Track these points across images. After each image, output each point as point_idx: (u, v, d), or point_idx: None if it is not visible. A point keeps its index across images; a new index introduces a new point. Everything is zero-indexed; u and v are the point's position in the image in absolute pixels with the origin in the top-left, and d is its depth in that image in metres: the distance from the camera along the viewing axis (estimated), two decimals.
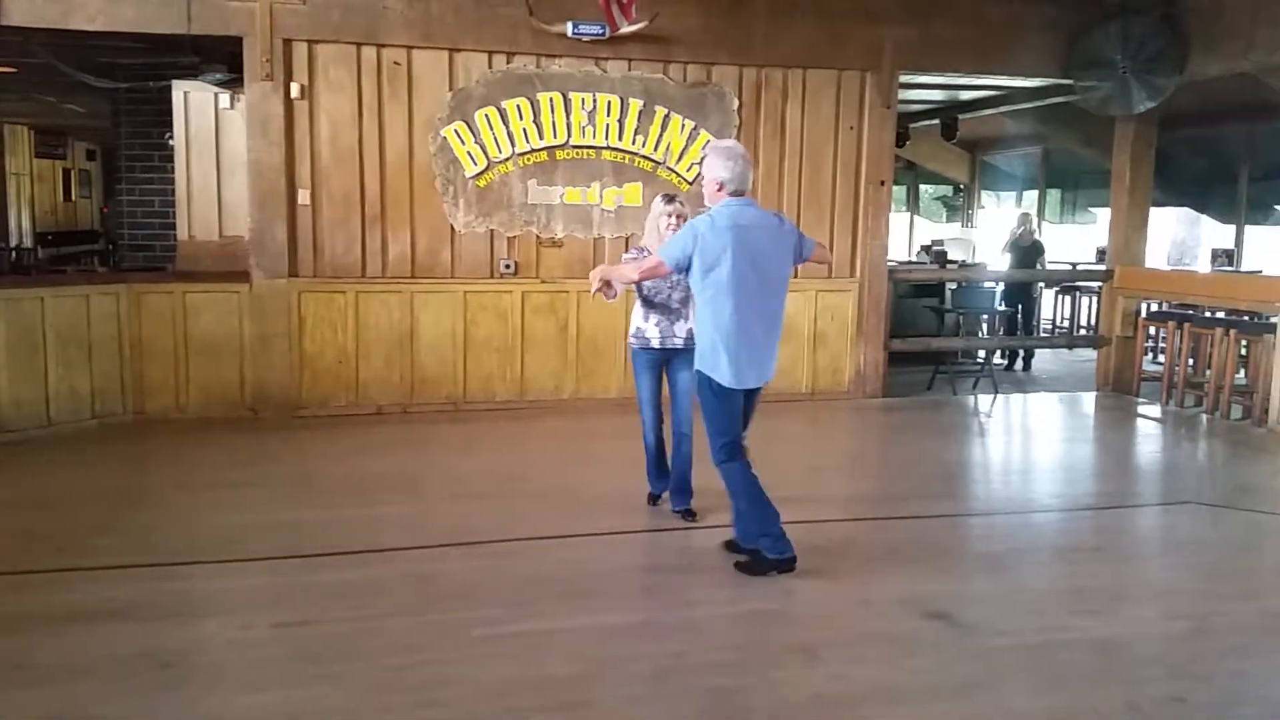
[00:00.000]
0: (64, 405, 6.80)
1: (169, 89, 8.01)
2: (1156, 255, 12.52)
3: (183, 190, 8.08)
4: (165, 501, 5.55)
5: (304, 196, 7.33)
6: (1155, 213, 9.84)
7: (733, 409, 4.34)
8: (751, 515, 4.38)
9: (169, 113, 8.08)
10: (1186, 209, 13.89)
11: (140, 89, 8.55)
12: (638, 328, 5.10)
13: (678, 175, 7.87)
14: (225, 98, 7.89)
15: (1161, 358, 9.54)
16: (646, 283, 4.86)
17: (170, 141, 8.24)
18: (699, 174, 7.78)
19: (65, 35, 7.01)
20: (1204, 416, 8.06)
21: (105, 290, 7.07)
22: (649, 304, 5.04)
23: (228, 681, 3.49)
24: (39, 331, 6.65)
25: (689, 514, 5.15)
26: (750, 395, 4.46)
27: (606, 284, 4.46)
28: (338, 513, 5.28)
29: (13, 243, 15.03)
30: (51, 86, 10.59)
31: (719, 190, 4.24)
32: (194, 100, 7.97)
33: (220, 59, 7.53)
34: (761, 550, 4.38)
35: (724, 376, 4.25)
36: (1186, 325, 8.37)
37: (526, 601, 4.15)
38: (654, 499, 5.35)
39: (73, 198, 17.82)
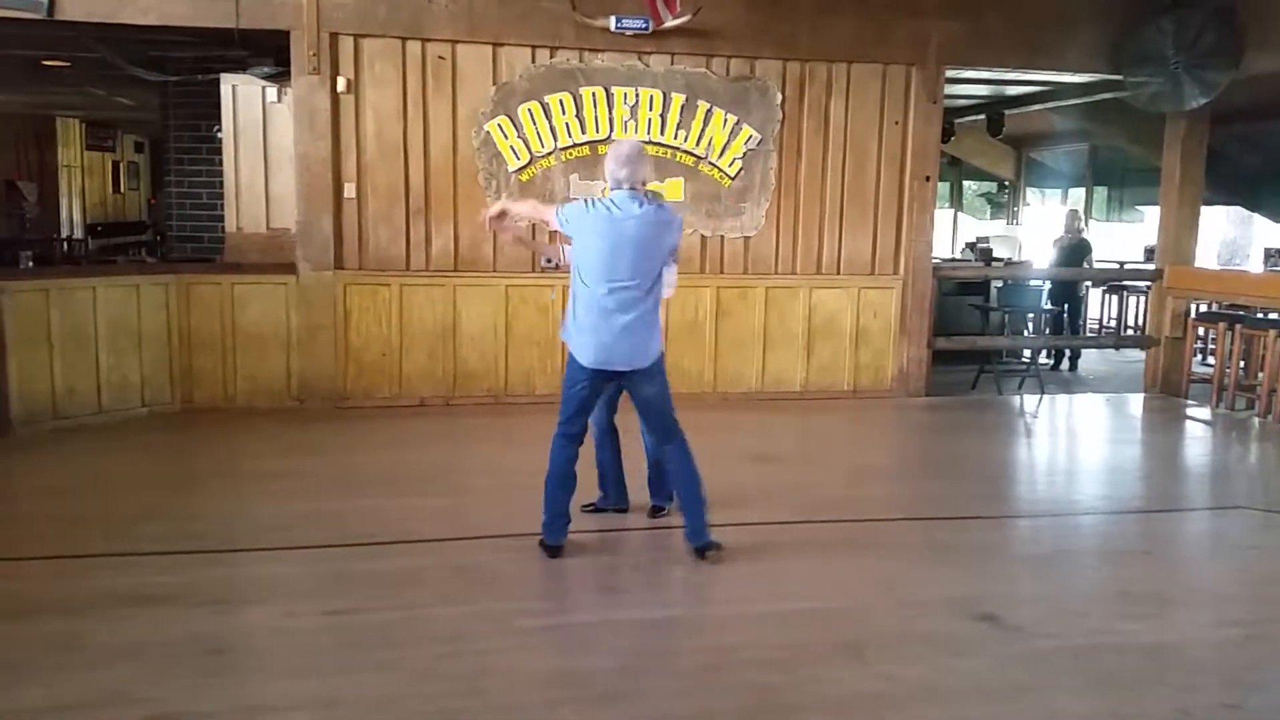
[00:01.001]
0: (115, 393, 6.91)
1: (217, 82, 8.10)
2: (1206, 255, 12.30)
3: (231, 183, 8.18)
4: (212, 489, 5.62)
5: (349, 190, 7.40)
6: (1205, 211, 9.66)
7: (582, 386, 4.40)
8: (547, 493, 4.48)
9: (217, 106, 8.18)
10: (1238, 208, 13.62)
11: (189, 82, 8.66)
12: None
13: (719, 170, 7.85)
14: (272, 91, 7.98)
15: (1211, 359, 9.38)
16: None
17: (218, 134, 8.34)
18: (740, 168, 7.85)
19: (117, 29, 7.11)
20: (1255, 420, 7.90)
21: (155, 281, 7.18)
22: None
23: (274, 667, 3.54)
24: (91, 321, 6.76)
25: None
26: (618, 384, 4.54)
27: (501, 216, 4.72)
28: (381, 502, 5.32)
29: (64, 234, 15.32)
30: (102, 80, 10.76)
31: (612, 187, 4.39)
32: (242, 94, 8.06)
33: (268, 53, 7.61)
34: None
35: (578, 352, 4.36)
36: (1238, 326, 8.21)
37: (567, 594, 4.16)
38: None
39: (121, 190, 18.12)
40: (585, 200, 4.44)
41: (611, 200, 4.35)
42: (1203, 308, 9.61)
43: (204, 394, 7.31)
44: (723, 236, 7.97)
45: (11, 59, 9.42)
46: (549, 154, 7.62)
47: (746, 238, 8.02)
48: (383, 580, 4.24)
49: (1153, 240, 10.14)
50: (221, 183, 8.44)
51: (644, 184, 4.45)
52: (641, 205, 4.34)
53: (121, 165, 18.12)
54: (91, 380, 6.79)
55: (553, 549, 4.48)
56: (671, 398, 4.53)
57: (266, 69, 7.71)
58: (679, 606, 4.13)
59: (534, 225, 7.26)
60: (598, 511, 5.08)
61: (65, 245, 14.52)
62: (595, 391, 4.48)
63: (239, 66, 7.80)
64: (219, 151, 8.43)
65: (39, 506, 5.35)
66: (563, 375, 4.57)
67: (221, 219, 8.68)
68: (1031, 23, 8.22)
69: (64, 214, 16.08)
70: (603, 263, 4.30)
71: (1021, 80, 10.04)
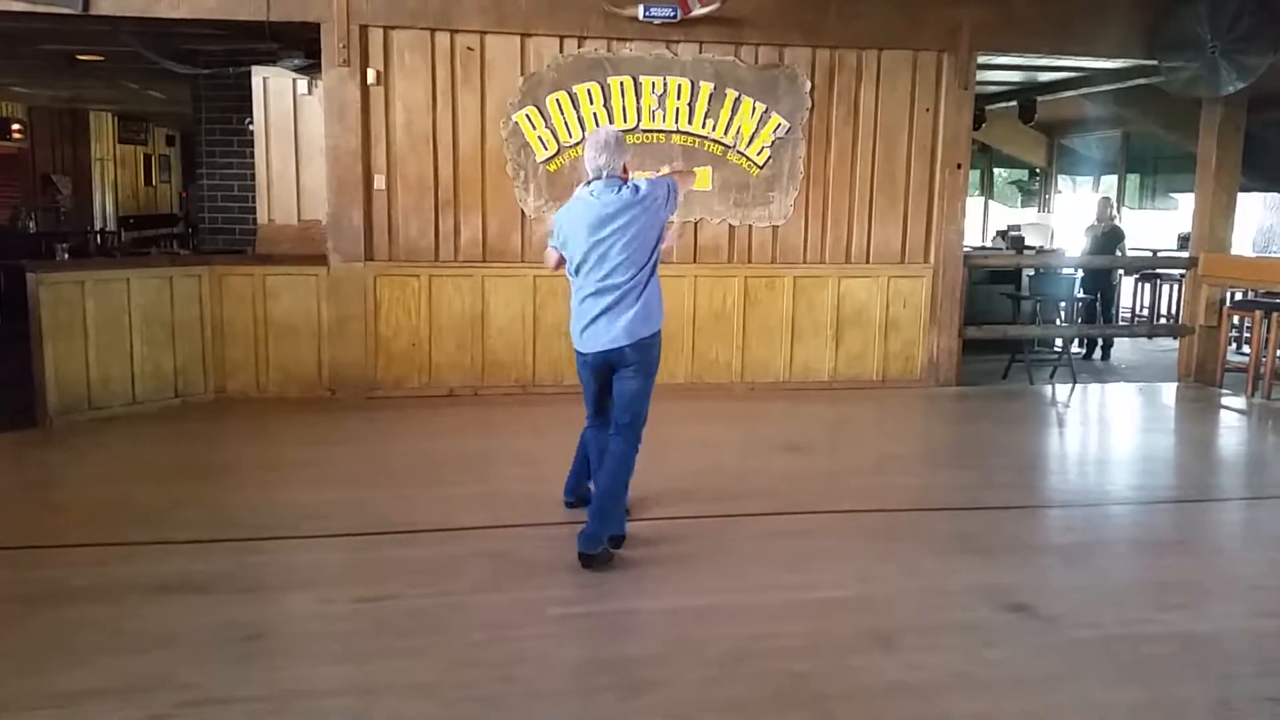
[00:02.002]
0: (149, 383, 7.00)
1: (248, 75, 8.17)
2: (1242, 242, 12.12)
3: (262, 175, 8.24)
4: (246, 478, 5.68)
5: (379, 181, 7.43)
6: (1242, 198, 9.51)
7: (585, 378, 4.50)
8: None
9: (248, 98, 8.24)
10: (1275, 194, 13.41)
11: (220, 75, 8.74)
12: None
13: (748, 159, 7.82)
14: (303, 84, 8.02)
15: (1247, 348, 9.24)
16: None
17: (250, 127, 8.41)
18: (769, 157, 7.82)
19: (150, 23, 7.19)
20: None
21: (188, 272, 7.25)
22: None
23: (311, 654, 3.58)
24: (125, 312, 6.84)
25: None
26: (610, 373, 4.43)
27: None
28: (413, 491, 5.36)
29: (97, 226, 15.52)
30: (135, 74, 10.89)
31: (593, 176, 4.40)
32: (273, 86, 8.12)
33: (298, 45, 7.67)
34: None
35: (578, 342, 4.44)
36: (1274, 314, 8.09)
37: (599, 582, 4.17)
38: None
39: (153, 182, 18.35)
40: (557, 216, 4.49)
41: (591, 190, 4.36)
42: (1238, 295, 9.47)
43: (237, 384, 7.38)
44: (751, 226, 7.95)
45: (46, 54, 9.55)
46: (577, 144, 7.61)
47: (775, 227, 7.99)
48: (417, 567, 4.27)
49: (1187, 227, 10.00)
50: (253, 175, 8.51)
51: (625, 170, 4.43)
52: (619, 190, 4.33)
53: (153, 158, 18.34)
54: (126, 371, 6.88)
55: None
56: (649, 403, 4.48)
57: (297, 61, 7.77)
58: (709, 595, 4.13)
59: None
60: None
61: (99, 238, 14.70)
62: (599, 382, 4.48)
63: (270, 59, 7.87)
64: (250, 144, 8.51)
65: (76, 495, 5.43)
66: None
67: (253, 211, 8.76)
68: (1064, 7, 8.11)
69: (97, 207, 16.31)
70: (595, 253, 4.30)
71: (1054, 66, 9.94)
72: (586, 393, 4.56)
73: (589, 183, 4.39)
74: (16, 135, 15.07)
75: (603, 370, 4.44)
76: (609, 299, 4.31)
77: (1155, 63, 8.39)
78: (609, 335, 4.32)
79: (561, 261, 4.53)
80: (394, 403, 7.41)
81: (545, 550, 4.51)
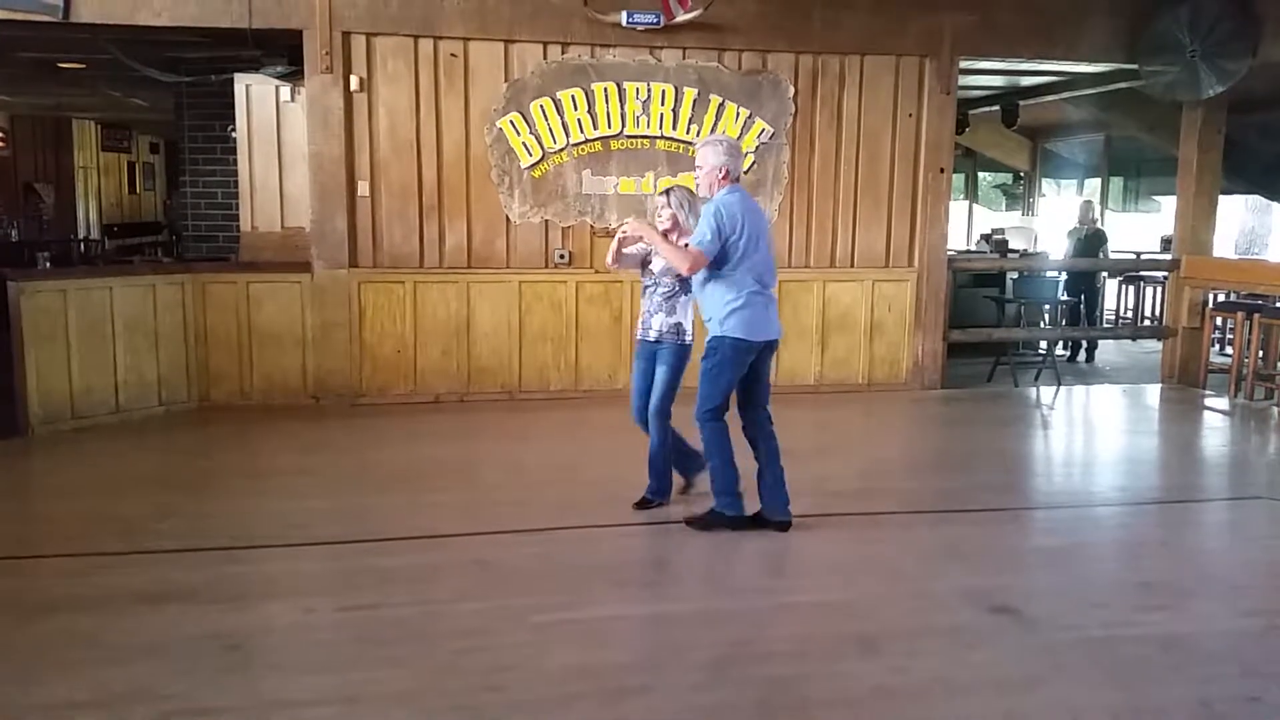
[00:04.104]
0: (132, 392, 6.96)
1: (231, 82, 8.13)
2: (1224, 244, 12.21)
3: (245, 182, 8.21)
4: (230, 487, 5.66)
5: (363, 188, 7.42)
6: (1223, 200, 9.58)
7: (742, 369, 4.69)
8: (721, 472, 4.73)
9: (231, 106, 8.21)
10: (1256, 196, 13.50)
11: (203, 83, 8.70)
12: (686, 324, 4.97)
13: None
14: (286, 91, 7.99)
15: (1229, 349, 9.30)
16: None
17: (233, 134, 8.38)
18: (753, 163, 7.83)
19: (131, 31, 7.16)
20: (1275, 409, 7.84)
21: (171, 280, 7.22)
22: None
23: (293, 663, 3.56)
24: (108, 320, 6.81)
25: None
26: (765, 354, 4.77)
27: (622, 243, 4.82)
28: (397, 499, 5.35)
29: (80, 234, 15.42)
30: (117, 81, 10.82)
31: (724, 178, 4.66)
32: (255, 93, 8.08)
33: (281, 52, 7.63)
34: (720, 509, 4.74)
35: (755, 331, 4.63)
36: (1256, 316, 8.14)
37: (583, 589, 4.17)
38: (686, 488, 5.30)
39: (137, 190, 18.23)
40: (721, 209, 4.56)
41: (743, 193, 4.71)
42: (1220, 297, 9.53)
43: (221, 392, 7.35)
44: None
45: (28, 61, 9.49)
46: (561, 150, 7.62)
47: None
48: (400, 576, 4.26)
49: (1169, 230, 10.06)
50: (236, 182, 8.48)
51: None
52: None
53: (137, 166, 18.22)
54: (109, 379, 6.84)
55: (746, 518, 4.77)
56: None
57: (280, 68, 7.74)
58: (693, 600, 4.13)
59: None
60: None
61: (82, 246, 14.60)
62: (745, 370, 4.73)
63: (253, 66, 7.83)
64: (233, 151, 8.47)
65: (58, 505, 5.40)
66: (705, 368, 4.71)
67: (236, 218, 8.72)
68: (1045, 12, 8.16)
69: (80, 215, 16.19)
70: (768, 250, 4.71)
71: (1036, 71, 10.00)
72: (729, 384, 4.68)
73: (735, 186, 4.68)
74: None
75: (756, 356, 4.70)
76: (770, 292, 4.74)
77: (1136, 67, 8.45)
78: (778, 325, 4.80)
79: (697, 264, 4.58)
80: (379, 410, 7.39)
81: (527, 558, 4.51)
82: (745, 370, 4.70)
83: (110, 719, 3.08)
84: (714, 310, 4.66)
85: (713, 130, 7.71)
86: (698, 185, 4.78)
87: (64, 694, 3.23)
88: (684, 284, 4.86)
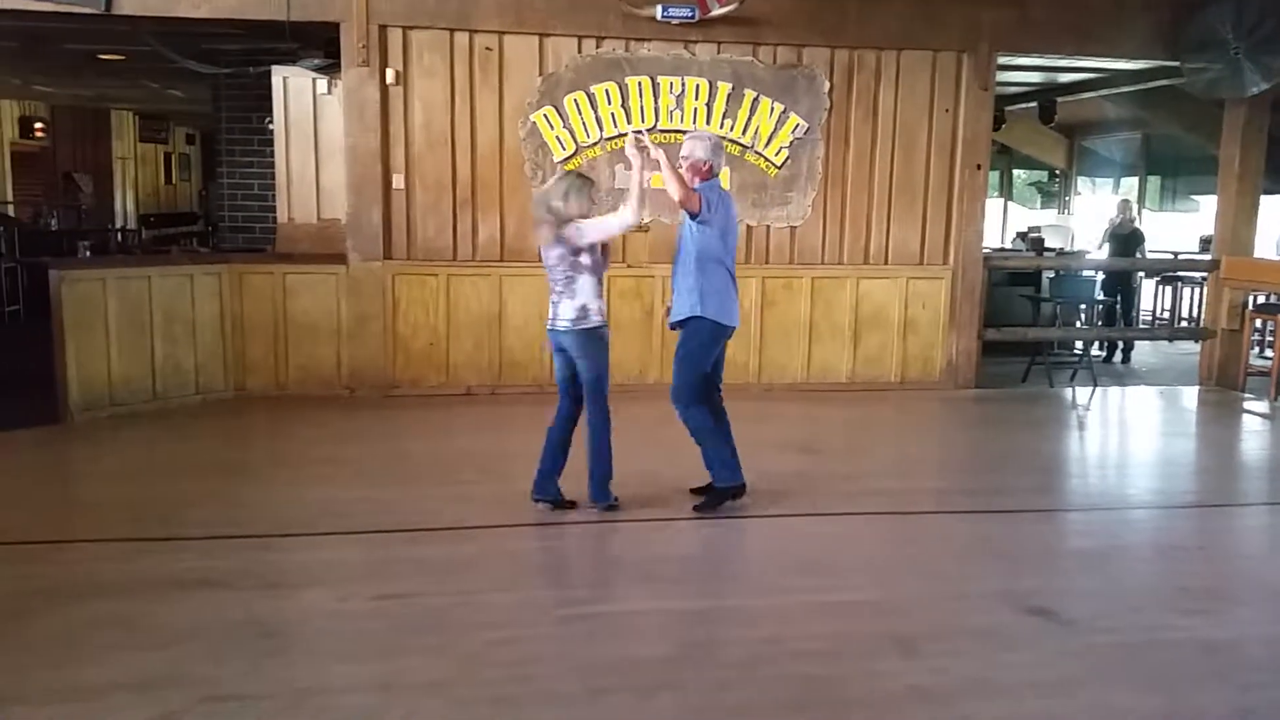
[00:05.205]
0: (169, 381, 7.04)
1: (268, 74, 8.20)
2: (1266, 245, 11.99)
3: (282, 174, 8.28)
4: (266, 475, 5.72)
5: (398, 181, 7.46)
6: (1265, 200, 9.41)
7: (716, 352, 5.01)
8: (713, 450, 4.94)
9: (268, 98, 8.28)
10: None
11: (240, 74, 8.78)
12: (601, 306, 4.89)
13: (765, 159, 7.80)
14: (323, 83, 8.05)
15: (1270, 351, 9.16)
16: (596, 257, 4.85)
17: (270, 126, 8.45)
18: (787, 159, 7.80)
19: (171, 22, 7.24)
20: None
21: (208, 270, 7.29)
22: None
23: (326, 651, 3.59)
24: (146, 310, 6.88)
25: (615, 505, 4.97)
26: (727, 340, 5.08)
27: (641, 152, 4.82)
28: (430, 490, 5.37)
29: (118, 224, 15.62)
30: (156, 73, 10.96)
31: (706, 172, 4.91)
32: (293, 86, 8.14)
33: (318, 45, 7.70)
34: (722, 485, 4.96)
35: (729, 317, 4.92)
36: None
37: (613, 583, 4.18)
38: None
39: (173, 180, 18.46)
40: (718, 185, 4.95)
41: (719, 186, 4.98)
42: (1261, 299, 9.38)
43: (256, 382, 7.42)
44: (768, 226, 7.93)
45: (69, 53, 9.62)
46: (594, 144, 7.62)
47: (793, 227, 7.97)
48: (433, 566, 4.28)
49: (1208, 230, 9.91)
50: (272, 174, 8.55)
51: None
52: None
53: (173, 157, 18.45)
54: (147, 368, 6.92)
55: (742, 486, 5.00)
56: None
57: (317, 61, 7.80)
58: (724, 596, 4.12)
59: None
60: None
61: (119, 236, 14.80)
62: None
63: (290, 59, 7.89)
64: (270, 143, 8.54)
65: (96, 491, 5.47)
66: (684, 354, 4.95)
67: (272, 209, 8.80)
68: (1085, 8, 8.06)
69: (118, 205, 16.42)
70: (732, 244, 4.98)
71: (1074, 67, 9.88)
72: (707, 366, 4.95)
73: (715, 181, 4.93)
74: (39, 134, 15.20)
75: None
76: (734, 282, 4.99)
77: (1177, 64, 8.32)
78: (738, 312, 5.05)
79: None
80: (412, 401, 7.43)
81: (558, 551, 4.52)
82: (719, 350, 5.02)
83: (147, 703, 3.11)
84: (697, 292, 4.84)
85: (746, 125, 7.69)
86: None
87: (102, 677, 3.27)
88: (580, 266, 4.77)
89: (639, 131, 4.94)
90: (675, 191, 4.72)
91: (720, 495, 4.98)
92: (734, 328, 4.98)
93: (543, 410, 7.33)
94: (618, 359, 7.77)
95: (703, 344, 4.91)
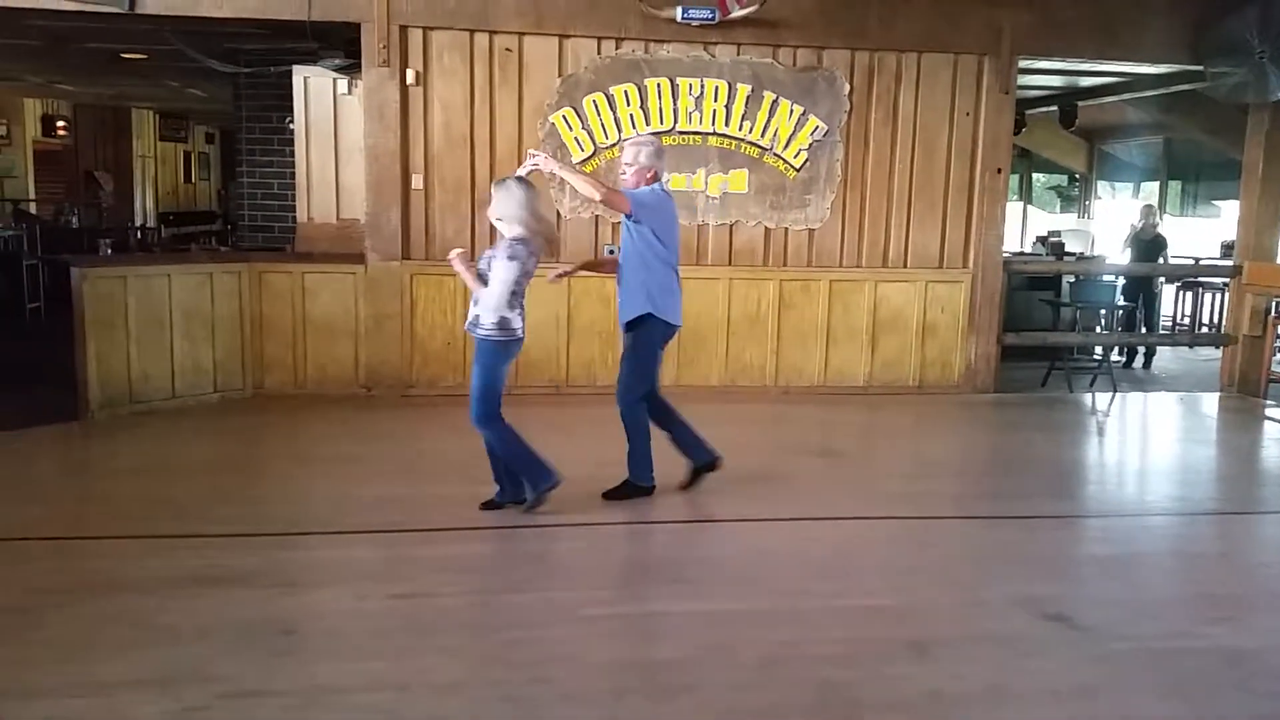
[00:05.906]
0: (188, 379, 7.07)
1: (289, 74, 8.24)
2: None
3: (302, 174, 8.31)
4: (283, 474, 5.74)
5: (417, 181, 7.47)
6: None
7: (659, 352, 5.13)
8: (641, 448, 5.10)
9: (288, 97, 8.31)
10: None
11: (261, 74, 8.82)
12: (506, 318, 4.89)
13: (784, 161, 7.78)
14: (343, 83, 8.08)
15: None
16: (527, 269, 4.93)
17: (290, 126, 8.48)
18: (806, 160, 7.78)
19: (193, 22, 7.27)
20: None
21: (228, 269, 7.33)
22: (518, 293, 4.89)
23: (344, 649, 3.59)
24: (166, 308, 6.92)
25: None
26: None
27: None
28: (447, 489, 5.37)
29: (138, 223, 15.74)
30: (177, 72, 11.02)
31: (650, 178, 5.01)
32: (313, 85, 8.18)
33: (339, 45, 7.72)
34: (636, 481, 5.11)
35: (674, 316, 5.05)
36: None
37: (631, 584, 4.17)
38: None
39: (192, 179, 18.58)
40: (659, 189, 5.02)
41: (664, 188, 5.08)
42: None
43: (274, 380, 7.45)
44: (786, 229, 7.91)
45: (91, 52, 9.69)
46: (613, 145, 7.61)
47: (811, 230, 7.94)
48: (450, 565, 4.29)
49: (1229, 235, 9.84)
50: (292, 173, 8.59)
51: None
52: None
53: (193, 155, 18.57)
54: (166, 366, 6.95)
55: (651, 488, 5.14)
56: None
57: (337, 61, 7.83)
58: (741, 599, 4.10)
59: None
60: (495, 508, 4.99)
61: (139, 234, 14.91)
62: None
63: (310, 58, 7.93)
64: (290, 142, 8.58)
65: (115, 488, 5.49)
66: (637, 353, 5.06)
67: (292, 209, 8.83)
68: (1107, 11, 8.01)
69: (138, 203, 16.54)
70: (675, 240, 5.06)
71: (1095, 71, 9.83)
72: (656, 366, 5.11)
73: (661, 183, 5.05)
74: (61, 132, 15.33)
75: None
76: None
77: (1200, 68, 8.26)
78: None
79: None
80: (429, 401, 7.44)
81: (575, 552, 4.51)
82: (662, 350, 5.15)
83: (164, 699, 3.13)
84: (645, 291, 4.95)
85: (765, 127, 7.68)
86: (623, 178, 5.11)
87: (120, 673, 3.28)
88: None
89: (534, 155, 4.89)
90: (592, 193, 4.87)
91: (633, 489, 5.11)
92: (678, 327, 5.12)
93: (559, 411, 7.40)
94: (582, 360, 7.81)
95: (653, 342, 5.04)
